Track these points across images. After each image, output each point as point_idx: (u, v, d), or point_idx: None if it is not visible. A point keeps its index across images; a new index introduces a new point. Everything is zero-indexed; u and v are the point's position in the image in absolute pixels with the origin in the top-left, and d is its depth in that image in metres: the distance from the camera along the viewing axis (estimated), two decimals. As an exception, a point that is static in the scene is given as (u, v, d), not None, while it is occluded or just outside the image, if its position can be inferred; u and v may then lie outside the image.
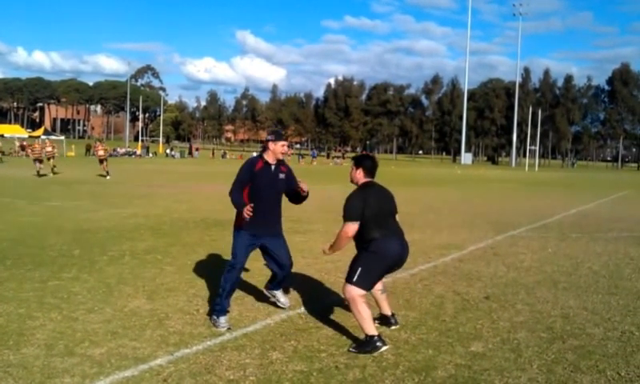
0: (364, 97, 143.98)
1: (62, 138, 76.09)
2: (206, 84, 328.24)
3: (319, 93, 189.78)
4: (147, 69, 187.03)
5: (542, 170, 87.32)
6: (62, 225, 13.14)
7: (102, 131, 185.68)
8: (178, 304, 7.01)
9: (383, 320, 6.47)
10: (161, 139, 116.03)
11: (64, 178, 30.04)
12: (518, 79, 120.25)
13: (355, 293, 5.70)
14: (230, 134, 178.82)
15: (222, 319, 6.21)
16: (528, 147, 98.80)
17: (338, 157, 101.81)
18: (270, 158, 6.44)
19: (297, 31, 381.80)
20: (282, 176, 6.55)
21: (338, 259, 10.01)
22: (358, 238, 5.95)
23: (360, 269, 5.76)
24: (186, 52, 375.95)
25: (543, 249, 11.91)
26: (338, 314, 6.79)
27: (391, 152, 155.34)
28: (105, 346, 5.52)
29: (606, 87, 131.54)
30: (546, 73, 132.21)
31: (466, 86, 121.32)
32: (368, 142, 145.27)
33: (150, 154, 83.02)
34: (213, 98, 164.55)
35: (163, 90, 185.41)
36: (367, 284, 5.80)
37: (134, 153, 79.68)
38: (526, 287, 8.49)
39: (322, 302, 7.31)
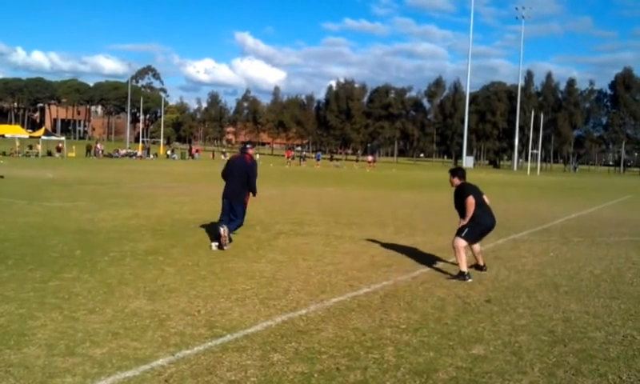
0: (365, 99, 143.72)
1: (63, 138, 76.11)
2: (206, 85, 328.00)
3: (320, 95, 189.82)
4: (148, 70, 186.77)
5: (543, 174, 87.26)
6: (63, 225, 13.14)
7: (102, 132, 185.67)
8: (179, 305, 7.01)
9: (477, 267, 9.77)
10: (162, 140, 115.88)
11: (65, 178, 30.06)
12: (521, 82, 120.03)
13: (461, 243, 9.14)
14: (231, 136, 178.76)
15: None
16: (530, 151, 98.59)
17: (338, 159, 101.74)
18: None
19: (296, 33, 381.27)
20: None
21: (339, 262, 10.05)
22: (464, 213, 9.26)
23: (466, 230, 9.17)
24: (186, 53, 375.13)
25: (545, 252, 11.91)
26: (339, 316, 6.79)
27: (392, 155, 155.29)
28: (106, 346, 5.52)
29: (609, 91, 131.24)
30: (549, 76, 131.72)
31: (467, 89, 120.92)
32: (369, 145, 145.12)
33: (151, 156, 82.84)
34: (214, 99, 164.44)
35: (164, 91, 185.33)
36: (469, 239, 9.27)
37: (135, 154, 79.60)
38: (527, 290, 8.50)
39: (323, 304, 7.30)
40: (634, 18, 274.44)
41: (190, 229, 13.31)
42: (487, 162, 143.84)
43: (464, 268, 9.03)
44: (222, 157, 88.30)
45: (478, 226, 9.32)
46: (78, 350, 5.39)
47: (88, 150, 73.93)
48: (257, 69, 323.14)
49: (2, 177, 26.90)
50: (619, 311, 7.53)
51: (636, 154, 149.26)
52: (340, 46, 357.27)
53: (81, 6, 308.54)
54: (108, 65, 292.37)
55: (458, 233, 9.23)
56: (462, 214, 9.33)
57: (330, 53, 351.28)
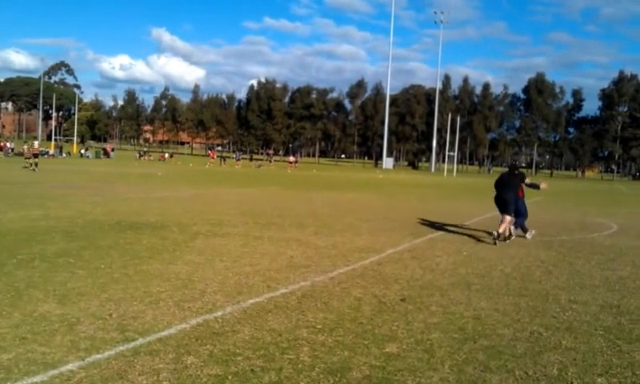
0: (287, 99, 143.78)
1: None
2: (122, 82, 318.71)
3: (241, 94, 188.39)
4: (61, 65, 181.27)
5: (459, 176, 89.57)
6: (-32, 226, 12.59)
7: (13, 130, 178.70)
8: (90, 308, 6.82)
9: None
10: (75, 139, 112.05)
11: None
12: (439, 86, 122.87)
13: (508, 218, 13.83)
14: (148, 135, 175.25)
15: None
16: (447, 153, 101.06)
17: (259, 159, 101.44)
18: None
19: (215, 31, 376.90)
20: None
21: (256, 263, 10.01)
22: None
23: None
24: (100, 49, 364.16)
25: (458, 252, 12.21)
26: (255, 317, 6.76)
27: (314, 155, 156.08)
28: (13, 351, 5.32)
29: (522, 96, 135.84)
30: (465, 80, 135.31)
31: (388, 91, 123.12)
32: (291, 145, 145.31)
33: (64, 154, 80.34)
34: (131, 96, 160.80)
35: (78, 87, 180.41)
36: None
37: (47, 152, 76.73)
38: (440, 289, 8.69)
39: (239, 306, 7.26)
40: (546, 24, 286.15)
41: (103, 230, 12.98)
42: (406, 163, 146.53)
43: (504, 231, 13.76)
44: (140, 156, 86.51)
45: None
46: (-19, 357, 5.18)
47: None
48: (175, 66, 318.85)
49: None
50: (527, 308, 7.80)
51: (547, 156, 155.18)
52: (260, 45, 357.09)
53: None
54: (19, 59, 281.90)
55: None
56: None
57: (250, 52, 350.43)
